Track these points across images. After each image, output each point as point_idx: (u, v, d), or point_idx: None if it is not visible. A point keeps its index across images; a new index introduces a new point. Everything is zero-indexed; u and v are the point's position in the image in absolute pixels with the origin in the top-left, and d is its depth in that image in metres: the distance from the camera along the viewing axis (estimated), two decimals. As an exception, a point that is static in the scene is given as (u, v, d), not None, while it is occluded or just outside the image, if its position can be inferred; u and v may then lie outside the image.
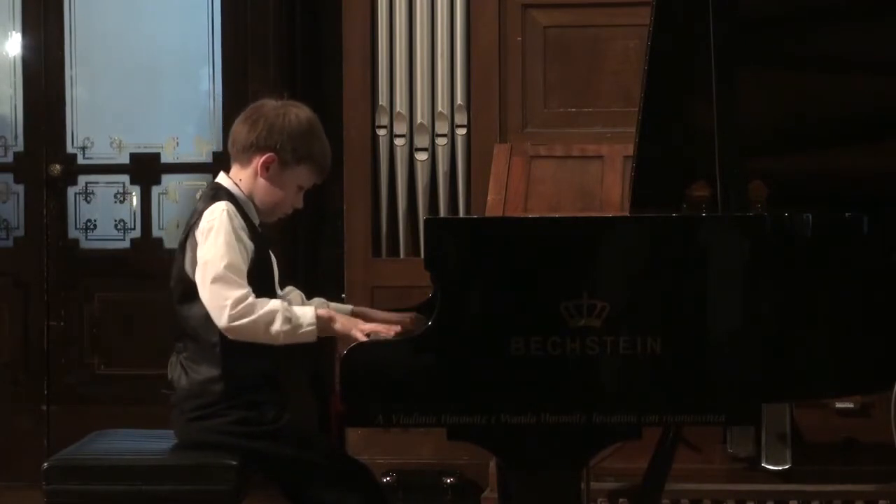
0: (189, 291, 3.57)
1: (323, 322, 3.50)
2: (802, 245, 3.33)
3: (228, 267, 3.47)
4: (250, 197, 3.65)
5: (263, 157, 3.62)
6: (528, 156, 5.37)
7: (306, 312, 3.50)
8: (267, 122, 3.63)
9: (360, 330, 3.44)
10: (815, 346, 3.33)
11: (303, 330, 3.48)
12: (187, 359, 3.60)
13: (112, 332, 5.92)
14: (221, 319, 3.46)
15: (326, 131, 3.76)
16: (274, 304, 3.48)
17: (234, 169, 3.69)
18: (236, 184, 3.66)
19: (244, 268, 3.51)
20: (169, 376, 3.65)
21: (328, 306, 3.81)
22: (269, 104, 3.69)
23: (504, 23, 5.56)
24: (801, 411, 4.88)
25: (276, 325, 3.45)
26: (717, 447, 4.90)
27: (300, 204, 3.73)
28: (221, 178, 3.69)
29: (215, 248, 3.50)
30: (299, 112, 3.67)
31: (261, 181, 3.64)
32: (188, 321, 3.59)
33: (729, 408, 3.29)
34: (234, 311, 3.45)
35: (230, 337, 3.48)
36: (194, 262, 3.55)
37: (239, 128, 3.67)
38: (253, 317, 3.45)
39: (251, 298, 3.47)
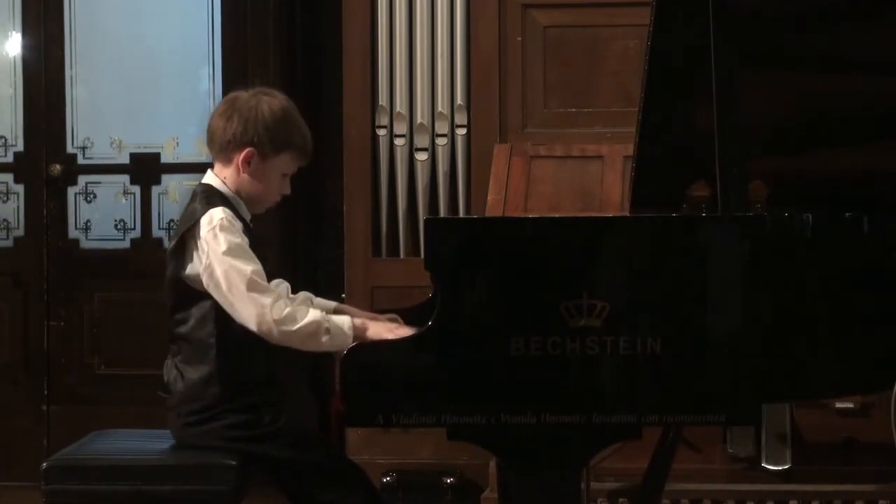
0: (183, 296, 3.57)
1: (359, 332, 3.47)
2: (802, 245, 3.33)
3: (256, 273, 3.46)
4: (237, 193, 3.65)
5: (243, 153, 3.61)
6: (528, 156, 5.37)
7: (343, 324, 3.47)
8: (241, 116, 3.60)
9: (392, 334, 3.43)
10: (815, 346, 3.33)
11: (340, 341, 3.44)
12: (182, 361, 3.59)
13: (112, 332, 5.92)
14: (262, 327, 3.43)
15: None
16: (314, 313, 3.46)
17: (218, 167, 3.67)
18: (223, 182, 3.66)
19: (262, 269, 3.50)
20: (164, 379, 3.64)
21: (312, 301, 3.80)
22: (242, 97, 3.65)
23: (504, 23, 5.56)
24: (801, 411, 4.88)
25: (319, 338, 3.44)
26: (717, 447, 4.90)
27: (287, 190, 3.71)
28: (210, 178, 3.67)
29: (232, 258, 3.48)
30: (272, 101, 3.64)
31: (244, 176, 3.63)
32: (182, 325, 3.58)
33: (729, 408, 3.29)
34: (276, 317, 3.42)
35: (272, 342, 3.47)
36: (188, 268, 3.55)
37: (214, 125, 3.65)
38: (296, 326, 3.43)
39: (287, 305, 3.45)
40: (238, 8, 5.85)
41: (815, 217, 3.32)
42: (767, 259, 3.28)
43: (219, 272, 3.49)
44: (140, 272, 5.86)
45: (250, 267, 3.47)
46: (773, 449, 4.80)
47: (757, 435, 4.81)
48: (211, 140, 3.67)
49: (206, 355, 3.54)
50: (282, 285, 3.82)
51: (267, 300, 3.44)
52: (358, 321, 3.50)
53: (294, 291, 3.83)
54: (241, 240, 3.51)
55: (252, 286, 3.45)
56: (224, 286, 3.48)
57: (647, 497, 4.07)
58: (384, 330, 3.46)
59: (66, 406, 5.88)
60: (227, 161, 3.64)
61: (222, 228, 3.50)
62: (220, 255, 3.49)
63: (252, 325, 3.45)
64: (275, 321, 3.43)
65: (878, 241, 3.38)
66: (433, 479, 5.40)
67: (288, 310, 3.44)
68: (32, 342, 5.94)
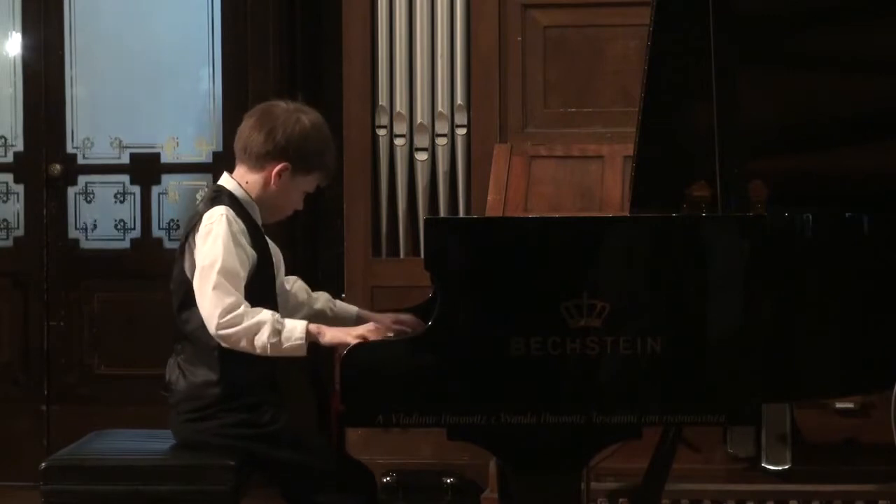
0: (188, 296, 3.56)
1: (312, 337, 3.46)
2: (802, 245, 3.33)
3: (222, 272, 3.47)
4: (256, 200, 3.65)
5: (279, 167, 3.62)
6: (528, 156, 5.37)
7: (296, 327, 3.46)
8: (284, 131, 3.62)
9: (352, 336, 3.42)
10: (815, 346, 3.33)
11: (290, 345, 3.45)
12: (185, 361, 3.60)
13: (112, 332, 5.92)
14: (211, 327, 3.47)
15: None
16: (264, 315, 3.46)
17: (241, 171, 3.68)
18: (241, 185, 3.66)
19: (241, 273, 3.50)
20: (167, 377, 3.65)
21: (335, 304, 3.81)
22: (280, 108, 3.67)
23: (504, 23, 5.55)
24: (801, 411, 4.88)
25: (263, 337, 3.44)
26: (717, 447, 4.90)
27: (301, 206, 3.75)
28: (225, 181, 3.68)
29: (212, 253, 3.49)
30: (311, 119, 3.67)
31: (272, 188, 3.65)
32: (187, 325, 3.58)
33: (729, 408, 3.29)
34: (222, 320, 3.45)
35: (222, 344, 3.48)
36: (192, 266, 3.56)
37: (251, 133, 3.65)
38: (240, 327, 3.45)
39: (242, 308, 3.46)
40: (238, 8, 5.85)
41: (815, 217, 3.32)
42: (767, 259, 3.28)
43: (198, 267, 3.51)
44: (140, 272, 5.86)
45: (221, 265, 3.47)
46: (773, 449, 4.80)
47: (757, 435, 4.81)
48: (245, 147, 3.67)
49: (209, 358, 3.55)
50: (297, 283, 3.84)
51: (224, 301, 3.44)
52: (313, 327, 3.48)
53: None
54: (231, 238, 3.51)
55: (213, 285, 3.46)
56: (196, 278, 3.51)
57: (647, 497, 4.07)
58: (342, 334, 3.45)
59: (66, 406, 5.88)
60: (257, 168, 3.65)
61: (218, 223, 3.52)
62: (204, 248, 3.51)
63: (205, 322, 3.48)
64: (218, 324, 3.44)
65: (878, 241, 3.38)
66: (433, 479, 5.40)
67: (236, 312, 3.44)
68: (32, 342, 5.94)
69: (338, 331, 3.50)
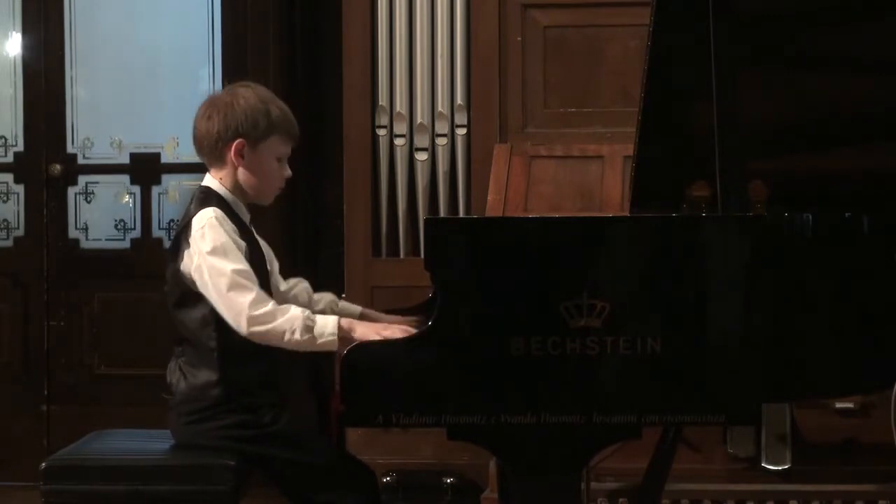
0: (184, 296, 3.56)
1: (344, 332, 3.44)
2: (802, 245, 3.33)
3: (237, 272, 3.46)
4: (236, 192, 3.65)
5: (233, 147, 3.61)
6: (528, 156, 5.37)
7: (328, 323, 3.45)
8: (220, 112, 3.61)
9: (380, 336, 3.41)
10: (815, 346, 3.33)
11: (323, 340, 3.44)
12: (186, 363, 3.59)
13: (112, 332, 5.92)
14: (241, 327, 3.44)
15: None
16: (294, 311, 3.45)
17: (212, 170, 3.68)
18: (220, 183, 3.65)
19: (250, 269, 3.50)
20: (168, 379, 3.64)
21: (338, 304, 3.81)
22: (217, 95, 3.69)
23: (504, 23, 5.55)
24: (801, 411, 4.88)
25: (297, 335, 3.43)
26: (717, 447, 4.90)
27: (288, 173, 3.70)
28: (208, 180, 3.68)
29: (217, 256, 3.48)
30: (245, 90, 3.65)
31: (241, 170, 3.63)
32: (185, 326, 3.58)
33: (729, 408, 3.29)
34: (252, 315, 3.43)
35: (253, 341, 3.47)
36: (187, 267, 3.54)
37: (198, 131, 3.66)
38: (272, 325, 3.43)
39: (271, 305, 3.45)
40: (238, 8, 5.85)
41: (814, 217, 3.32)
42: (767, 259, 3.28)
43: (205, 272, 3.50)
44: (140, 272, 5.86)
45: (231, 266, 3.46)
46: (773, 449, 4.80)
47: (757, 435, 4.81)
48: (199, 146, 3.68)
49: (210, 359, 3.54)
50: (300, 285, 3.83)
51: (247, 298, 3.44)
52: (345, 321, 3.49)
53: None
54: (229, 239, 3.51)
55: (231, 286, 3.45)
56: (210, 286, 3.49)
57: (647, 497, 4.07)
58: (371, 331, 3.44)
59: (66, 406, 5.88)
60: (220, 161, 3.65)
61: (210, 227, 3.51)
62: (205, 255, 3.50)
63: (232, 324, 3.46)
64: (249, 319, 3.43)
65: (878, 241, 3.38)
66: (433, 479, 5.40)
67: (266, 308, 3.44)
68: (32, 342, 5.94)
69: (368, 328, 3.47)
